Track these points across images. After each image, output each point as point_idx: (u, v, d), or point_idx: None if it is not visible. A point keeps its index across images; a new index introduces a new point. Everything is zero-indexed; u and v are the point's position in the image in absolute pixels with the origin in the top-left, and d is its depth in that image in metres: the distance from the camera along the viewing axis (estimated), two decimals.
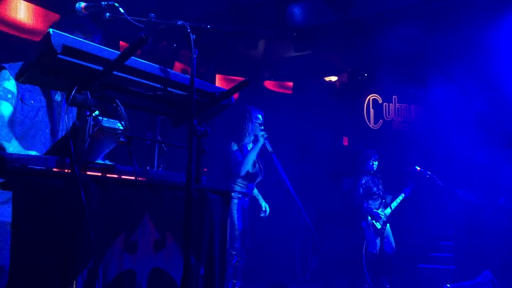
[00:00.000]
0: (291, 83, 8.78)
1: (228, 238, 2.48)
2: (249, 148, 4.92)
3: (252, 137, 4.97)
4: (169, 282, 1.87)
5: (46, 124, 2.48)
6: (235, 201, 4.70)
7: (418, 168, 6.42)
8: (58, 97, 2.54)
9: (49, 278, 1.45)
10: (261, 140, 4.85)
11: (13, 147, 2.21)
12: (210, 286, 2.05)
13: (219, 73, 8.22)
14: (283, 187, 5.52)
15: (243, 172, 4.74)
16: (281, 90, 8.76)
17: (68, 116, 2.48)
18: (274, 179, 6.96)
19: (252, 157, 4.77)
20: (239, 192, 4.77)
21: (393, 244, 6.47)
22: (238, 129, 4.92)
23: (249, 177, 4.90)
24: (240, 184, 4.88)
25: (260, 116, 5.06)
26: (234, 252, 4.62)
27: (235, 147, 4.90)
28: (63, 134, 2.50)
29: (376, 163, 6.60)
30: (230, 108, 2.35)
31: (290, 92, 8.72)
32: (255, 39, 7.52)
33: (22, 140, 2.36)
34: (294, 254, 7.47)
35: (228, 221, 2.69)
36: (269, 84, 8.72)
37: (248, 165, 4.77)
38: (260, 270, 7.05)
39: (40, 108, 2.46)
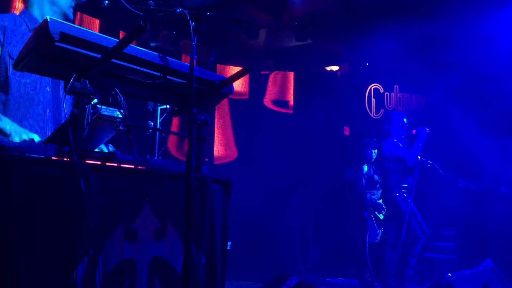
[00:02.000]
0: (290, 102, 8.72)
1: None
2: None
3: None
4: (170, 271, 1.86)
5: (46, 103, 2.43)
6: None
7: (420, 158, 6.41)
8: None
9: (49, 267, 1.45)
10: None
11: (8, 124, 2.16)
12: (211, 275, 2.05)
13: (220, 62, 8.19)
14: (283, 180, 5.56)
15: None
16: (281, 109, 8.70)
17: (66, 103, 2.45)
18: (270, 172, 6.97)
19: None
20: None
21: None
22: None
23: None
24: None
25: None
26: None
27: None
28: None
29: (376, 151, 6.59)
30: None
31: (291, 111, 8.68)
32: (256, 28, 7.48)
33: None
34: (295, 244, 7.49)
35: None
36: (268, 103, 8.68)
37: None
38: (262, 260, 7.08)
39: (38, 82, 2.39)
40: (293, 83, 8.71)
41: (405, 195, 5.75)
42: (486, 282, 3.80)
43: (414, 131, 5.94)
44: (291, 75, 8.73)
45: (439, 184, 6.56)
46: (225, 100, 7.50)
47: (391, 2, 6.70)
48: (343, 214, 7.01)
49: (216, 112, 8.20)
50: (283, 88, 8.66)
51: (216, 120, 8.22)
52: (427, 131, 5.80)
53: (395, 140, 5.89)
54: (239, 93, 8.38)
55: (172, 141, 7.21)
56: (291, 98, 8.64)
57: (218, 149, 8.23)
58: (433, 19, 6.58)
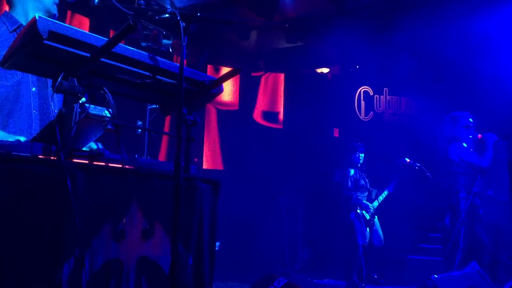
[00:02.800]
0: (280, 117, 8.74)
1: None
2: None
3: None
4: (157, 271, 1.86)
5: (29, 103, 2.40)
6: None
7: (408, 160, 6.46)
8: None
9: (35, 266, 1.44)
10: None
11: None
12: (199, 275, 2.05)
13: (211, 63, 8.18)
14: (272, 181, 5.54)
15: None
16: (271, 125, 8.69)
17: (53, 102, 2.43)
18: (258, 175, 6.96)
19: None
20: None
21: (382, 237, 6.52)
22: None
23: None
24: None
25: None
26: None
27: None
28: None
29: (363, 155, 6.62)
30: None
31: (280, 127, 8.68)
32: (247, 29, 7.48)
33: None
34: (284, 245, 7.50)
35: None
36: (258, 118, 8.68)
37: None
38: (250, 261, 7.08)
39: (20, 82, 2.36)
40: (283, 85, 8.72)
41: (475, 199, 5.56)
42: (471, 284, 3.84)
43: (480, 136, 5.84)
44: (281, 79, 8.74)
45: (427, 187, 6.62)
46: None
47: (381, 5, 6.74)
48: (331, 215, 7.04)
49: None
50: (273, 97, 8.66)
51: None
52: (496, 139, 5.49)
53: (464, 144, 5.60)
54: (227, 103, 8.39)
55: (164, 145, 7.21)
56: (281, 107, 8.63)
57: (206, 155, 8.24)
58: (423, 22, 6.63)
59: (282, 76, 8.77)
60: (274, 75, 8.72)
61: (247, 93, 8.56)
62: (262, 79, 8.69)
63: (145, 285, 1.79)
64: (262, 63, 8.72)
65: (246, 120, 8.50)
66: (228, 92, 8.29)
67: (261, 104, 8.61)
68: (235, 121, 8.38)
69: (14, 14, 2.46)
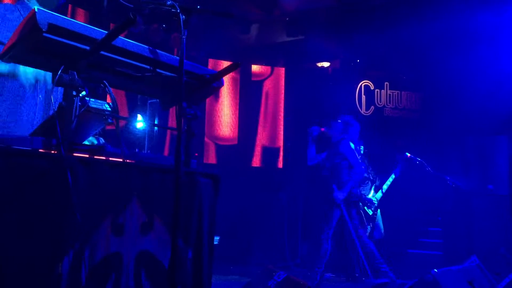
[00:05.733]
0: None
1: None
2: None
3: None
4: (156, 265, 1.86)
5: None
6: None
7: (408, 155, 6.45)
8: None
9: (35, 260, 1.44)
10: None
11: None
12: (198, 269, 2.05)
13: (211, 57, 8.16)
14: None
15: None
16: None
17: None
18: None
19: None
20: None
21: (382, 230, 6.52)
22: None
23: None
24: None
25: None
26: None
27: None
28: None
29: (362, 147, 6.61)
30: None
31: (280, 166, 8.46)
32: (247, 23, 7.45)
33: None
34: (283, 239, 7.51)
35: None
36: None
37: None
38: (250, 255, 7.10)
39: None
40: (284, 80, 8.70)
41: None
42: (471, 278, 3.84)
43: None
44: (282, 73, 8.72)
45: (427, 181, 6.61)
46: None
47: None
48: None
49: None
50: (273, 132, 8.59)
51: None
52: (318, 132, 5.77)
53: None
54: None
55: (168, 141, 7.21)
56: (281, 102, 8.59)
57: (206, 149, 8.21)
58: (424, 17, 6.60)
59: (282, 70, 8.75)
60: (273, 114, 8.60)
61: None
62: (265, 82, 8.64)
63: (144, 279, 1.79)
64: (262, 57, 8.68)
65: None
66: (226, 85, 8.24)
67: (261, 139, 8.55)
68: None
69: (27, 2, 2.46)
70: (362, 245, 5.48)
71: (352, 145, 5.60)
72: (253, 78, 8.54)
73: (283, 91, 8.62)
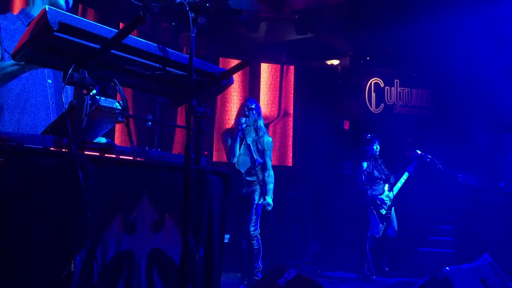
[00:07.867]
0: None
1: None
2: None
3: None
4: (168, 263, 1.86)
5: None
6: None
7: (419, 152, 6.42)
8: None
9: (47, 258, 1.45)
10: None
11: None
12: (209, 267, 2.05)
13: (220, 55, 8.16)
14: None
15: None
16: None
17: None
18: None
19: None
20: None
21: (396, 228, 6.50)
22: None
23: None
24: None
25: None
26: None
27: None
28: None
29: (379, 147, 6.60)
30: None
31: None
32: (257, 21, 7.44)
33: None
34: (293, 237, 7.50)
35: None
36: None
37: None
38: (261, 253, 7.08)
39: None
40: (293, 78, 8.68)
41: None
42: (483, 276, 3.81)
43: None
44: (291, 71, 8.70)
45: (438, 179, 6.57)
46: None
47: None
48: (341, 207, 7.01)
49: None
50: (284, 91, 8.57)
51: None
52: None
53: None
54: None
55: (178, 140, 7.22)
56: (291, 99, 8.56)
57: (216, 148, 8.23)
58: (434, 13, 6.55)
59: (292, 68, 8.73)
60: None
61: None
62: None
63: (156, 277, 1.79)
64: (271, 55, 8.66)
65: None
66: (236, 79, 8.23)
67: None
68: None
69: (29, 10, 2.48)
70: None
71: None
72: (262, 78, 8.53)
73: (292, 90, 8.59)
